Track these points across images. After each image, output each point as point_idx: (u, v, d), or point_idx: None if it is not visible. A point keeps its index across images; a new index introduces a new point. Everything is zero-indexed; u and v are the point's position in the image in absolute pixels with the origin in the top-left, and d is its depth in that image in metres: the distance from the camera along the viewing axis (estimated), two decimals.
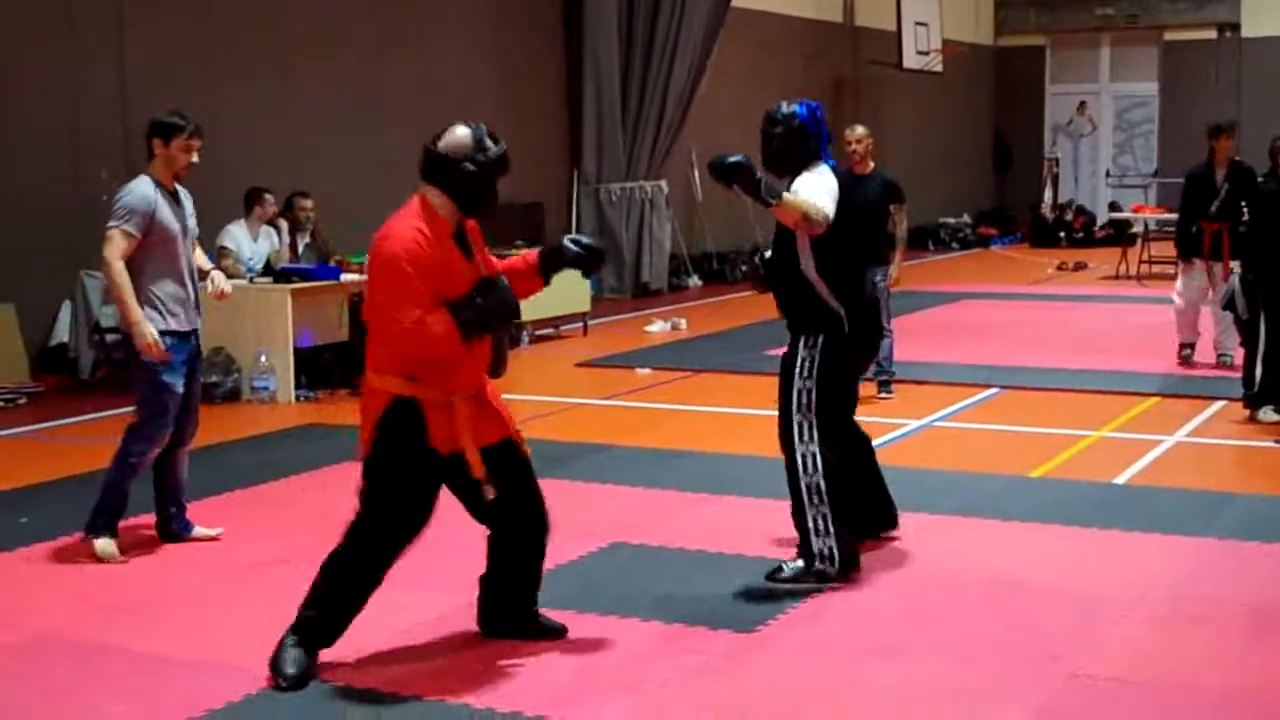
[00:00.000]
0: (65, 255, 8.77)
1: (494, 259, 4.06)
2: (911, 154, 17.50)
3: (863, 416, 4.99)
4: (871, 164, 7.88)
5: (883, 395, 7.92)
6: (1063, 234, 19.75)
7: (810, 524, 4.53)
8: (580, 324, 11.17)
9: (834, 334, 4.57)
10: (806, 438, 4.53)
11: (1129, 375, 8.67)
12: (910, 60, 18.44)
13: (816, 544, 4.52)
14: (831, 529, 4.51)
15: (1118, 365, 9.04)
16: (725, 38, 14.27)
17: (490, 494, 3.83)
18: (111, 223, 4.94)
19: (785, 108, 4.66)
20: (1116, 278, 15.03)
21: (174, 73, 9.66)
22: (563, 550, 4.94)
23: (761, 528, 5.21)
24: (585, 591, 4.52)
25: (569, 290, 10.96)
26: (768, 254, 4.78)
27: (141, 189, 4.96)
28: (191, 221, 5.17)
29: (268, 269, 8.57)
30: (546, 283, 4.09)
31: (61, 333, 8.90)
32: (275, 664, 3.79)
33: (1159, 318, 11.53)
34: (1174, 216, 16.77)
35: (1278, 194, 7.26)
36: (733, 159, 4.35)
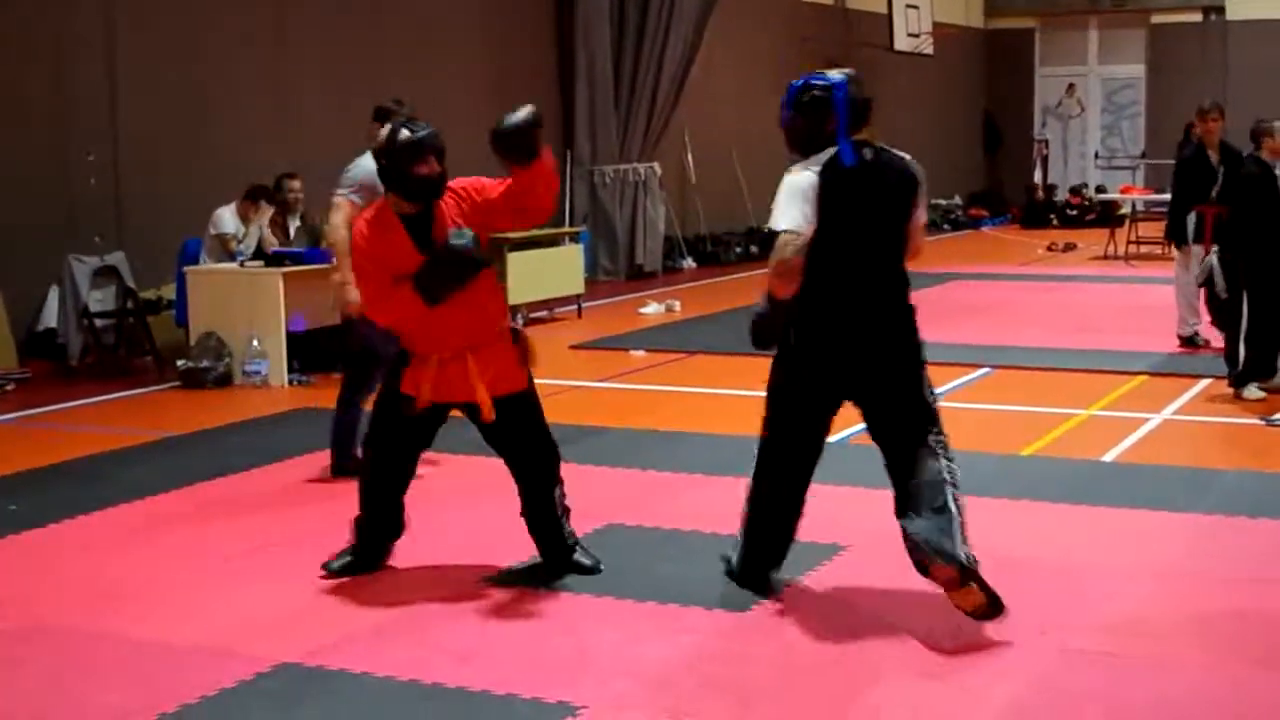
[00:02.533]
0: (53, 240, 8.74)
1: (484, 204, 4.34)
2: (902, 136, 17.39)
3: None
4: None
5: None
6: (1053, 216, 19.79)
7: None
8: (574, 306, 11.18)
9: (784, 345, 4.08)
10: (761, 437, 4.19)
11: (1117, 354, 8.71)
12: (901, 43, 18.44)
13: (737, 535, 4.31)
14: (740, 537, 4.28)
15: (1106, 344, 9.08)
16: (717, 19, 14.24)
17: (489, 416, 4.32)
18: (340, 191, 5.58)
19: (794, 84, 4.09)
20: (1105, 258, 15.08)
21: (162, 55, 9.62)
22: None
23: None
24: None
25: (563, 273, 10.97)
26: None
27: (366, 163, 5.44)
28: None
29: (258, 253, 8.55)
30: (521, 163, 4.21)
31: (49, 318, 8.87)
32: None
33: (1147, 298, 11.58)
34: (1162, 198, 16.94)
35: (1261, 176, 7.30)
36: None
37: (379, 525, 4.58)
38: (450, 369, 4.30)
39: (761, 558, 4.29)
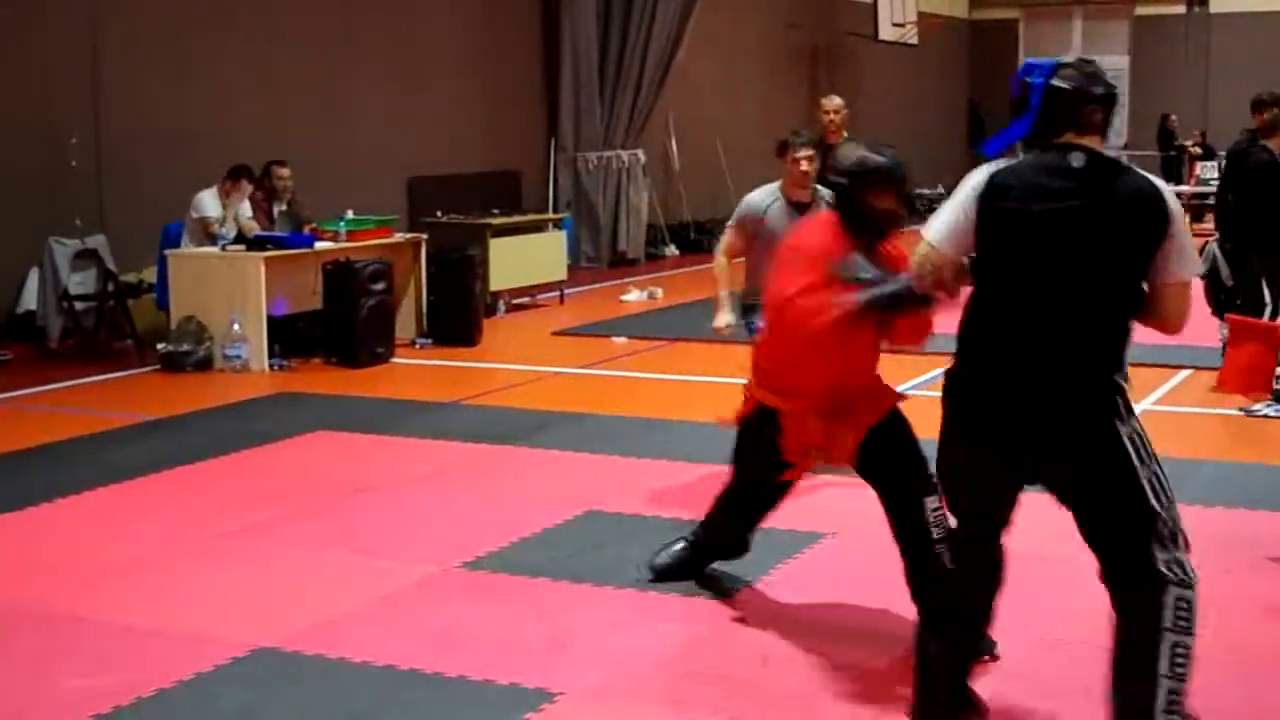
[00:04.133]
0: (34, 222, 8.68)
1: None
2: (886, 125, 17.52)
3: None
4: (845, 134, 7.93)
5: None
6: None
7: None
8: (557, 293, 11.16)
9: (946, 396, 3.18)
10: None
11: None
12: (886, 32, 18.45)
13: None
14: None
15: None
16: (703, 6, 14.21)
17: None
18: (731, 221, 5.62)
19: None
20: None
21: (146, 37, 9.54)
22: (538, 518, 4.96)
23: None
24: (560, 559, 4.53)
25: (546, 259, 10.95)
26: None
27: (756, 195, 5.55)
28: None
29: (240, 237, 8.50)
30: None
31: (29, 300, 8.81)
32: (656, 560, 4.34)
33: None
34: None
35: (1270, 164, 7.25)
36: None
37: (721, 535, 4.25)
38: (833, 423, 3.88)
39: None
